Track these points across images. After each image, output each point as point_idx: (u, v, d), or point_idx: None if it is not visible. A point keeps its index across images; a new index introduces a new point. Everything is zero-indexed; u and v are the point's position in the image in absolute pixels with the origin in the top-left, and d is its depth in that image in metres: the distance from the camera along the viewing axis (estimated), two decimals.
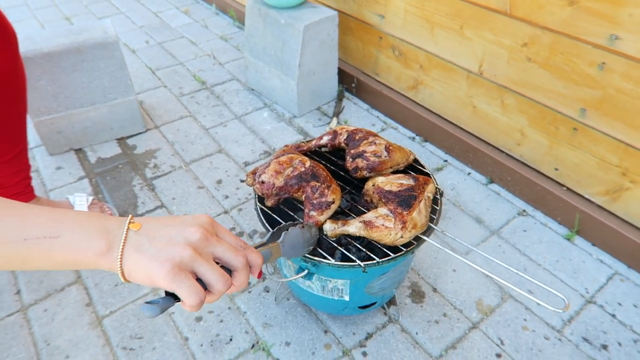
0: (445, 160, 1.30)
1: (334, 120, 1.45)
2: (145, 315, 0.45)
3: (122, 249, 0.38)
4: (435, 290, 0.97)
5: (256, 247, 0.50)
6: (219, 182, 1.24)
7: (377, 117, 1.49)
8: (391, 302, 0.92)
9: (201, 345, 0.87)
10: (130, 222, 0.40)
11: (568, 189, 1.09)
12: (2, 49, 0.85)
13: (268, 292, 0.97)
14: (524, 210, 1.14)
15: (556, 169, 1.10)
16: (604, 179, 1.00)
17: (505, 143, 1.19)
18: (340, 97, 1.55)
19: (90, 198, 1.12)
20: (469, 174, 1.26)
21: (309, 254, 0.67)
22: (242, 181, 0.81)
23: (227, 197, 1.20)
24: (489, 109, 1.19)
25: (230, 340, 0.88)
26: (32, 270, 0.42)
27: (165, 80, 1.68)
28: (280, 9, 1.39)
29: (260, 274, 0.46)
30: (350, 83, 1.56)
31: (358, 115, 1.50)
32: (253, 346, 0.87)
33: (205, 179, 1.25)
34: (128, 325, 0.91)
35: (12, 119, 0.93)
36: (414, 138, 1.38)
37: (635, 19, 0.83)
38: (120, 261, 0.38)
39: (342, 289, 0.75)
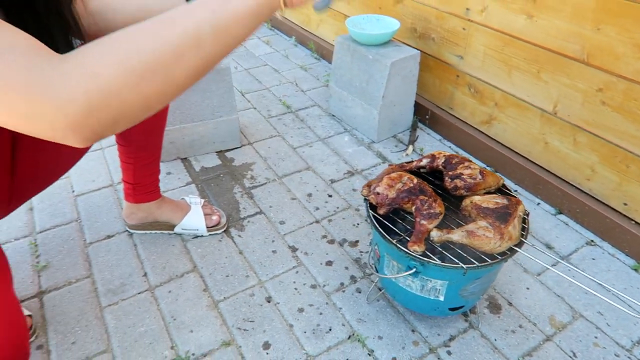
0: (515, 190, 1.41)
1: (410, 147, 1.59)
2: (318, 9, 0.58)
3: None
4: (510, 304, 1.07)
5: None
6: (309, 195, 1.40)
7: (449, 147, 1.62)
8: (472, 310, 1.03)
9: (304, 332, 1.01)
10: None
11: (636, 223, 1.18)
12: None
13: (360, 292, 1.10)
14: (592, 241, 1.24)
15: (625, 204, 1.19)
16: None
17: (575, 177, 1.30)
18: (414, 127, 1.69)
19: (202, 200, 1.29)
20: (539, 204, 1.37)
21: (419, 255, 0.80)
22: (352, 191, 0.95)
23: (317, 208, 1.35)
24: (560, 146, 1.30)
25: (330, 330, 1.02)
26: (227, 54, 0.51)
27: (254, 102, 1.88)
28: (369, 46, 1.56)
29: None
30: (424, 115, 1.70)
31: (431, 144, 1.64)
32: (349, 337, 1.00)
33: (296, 192, 1.41)
34: (241, 310, 1.06)
35: (156, 131, 1.12)
36: (484, 168, 1.50)
37: None
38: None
39: (439, 290, 0.87)
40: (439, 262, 0.80)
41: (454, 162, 0.96)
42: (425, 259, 0.81)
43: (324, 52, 2.22)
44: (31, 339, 0.99)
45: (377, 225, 0.87)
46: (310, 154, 1.58)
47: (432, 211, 0.84)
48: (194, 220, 1.24)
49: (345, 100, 1.69)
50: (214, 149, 1.59)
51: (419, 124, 1.73)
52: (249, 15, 0.49)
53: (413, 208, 0.86)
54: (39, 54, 0.43)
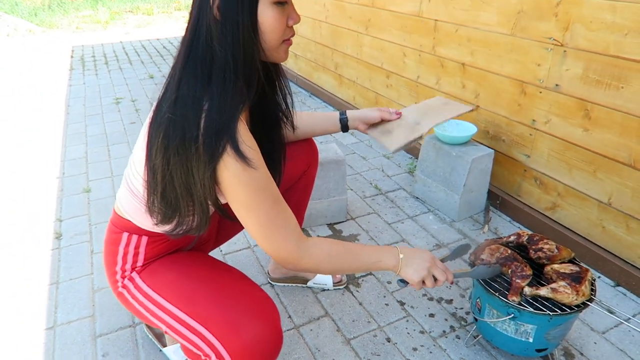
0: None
1: (486, 226, 1.94)
2: (400, 285, 1.08)
3: (400, 266, 0.98)
4: (582, 354, 1.36)
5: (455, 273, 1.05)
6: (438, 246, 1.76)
7: (518, 227, 1.96)
8: (550, 356, 1.32)
9: None
10: (400, 253, 1.01)
11: None
12: (314, 164, 1.47)
13: (459, 338, 1.42)
14: None
15: None
16: None
17: (630, 256, 1.60)
18: (487, 210, 2.05)
19: None
20: (599, 277, 1.66)
21: (516, 304, 1.14)
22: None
23: None
24: (616, 230, 1.62)
25: None
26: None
27: (350, 184, 2.31)
28: (452, 145, 1.98)
29: (452, 282, 1.07)
30: (496, 200, 2.07)
31: (502, 225, 1.98)
32: None
33: None
34: (368, 346, 1.40)
35: (304, 206, 1.54)
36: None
37: None
38: (399, 271, 0.97)
39: (529, 332, 1.19)
40: (532, 309, 1.13)
41: (535, 239, 1.31)
42: (522, 306, 1.14)
43: None
44: None
45: (483, 283, 1.22)
46: (403, 229, 1.96)
47: (524, 273, 1.18)
48: (323, 277, 1.62)
49: (430, 186, 2.09)
50: (325, 222, 1.99)
51: (491, 208, 2.08)
52: (384, 269, 1.04)
53: (509, 271, 1.21)
54: (299, 235, 0.95)
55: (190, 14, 0.89)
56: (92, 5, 9.72)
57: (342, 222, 2.01)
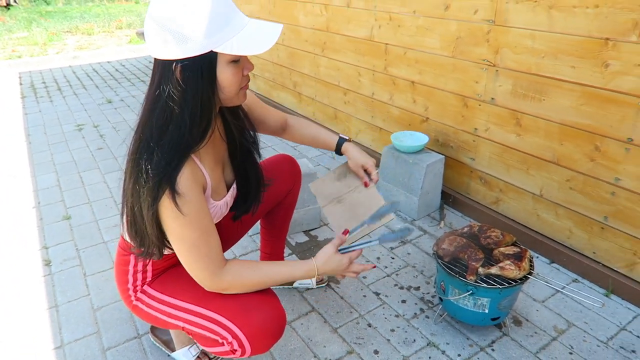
0: None
1: (442, 222, 2.23)
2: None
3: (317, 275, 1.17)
4: (527, 320, 1.65)
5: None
6: (378, 258, 2.00)
7: (469, 220, 2.26)
8: (503, 324, 1.60)
9: (398, 343, 1.57)
10: (315, 268, 1.16)
11: (603, 264, 1.79)
12: (298, 182, 1.68)
13: (428, 318, 1.67)
14: (576, 279, 1.84)
15: (594, 252, 1.81)
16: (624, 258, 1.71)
17: (560, 237, 1.92)
18: (442, 208, 2.34)
19: None
20: (537, 257, 1.98)
21: (474, 282, 1.40)
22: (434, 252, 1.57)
23: (386, 267, 1.94)
24: (547, 217, 1.95)
25: (414, 341, 1.57)
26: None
27: None
28: (408, 153, 2.25)
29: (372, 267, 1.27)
30: (448, 199, 2.36)
31: (455, 220, 2.27)
32: (428, 344, 1.56)
33: (369, 256, 2.01)
34: (353, 332, 1.62)
35: (288, 219, 1.74)
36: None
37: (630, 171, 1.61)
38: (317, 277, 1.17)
39: (485, 304, 1.46)
40: (486, 285, 1.40)
41: (484, 228, 1.59)
42: (478, 284, 1.41)
43: None
44: None
45: (445, 268, 1.48)
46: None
47: (478, 256, 1.45)
48: None
49: (391, 190, 2.35)
50: (302, 229, 2.20)
51: (445, 206, 2.38)
52: (299, 278, 1.18)
53: (465, 256, 1.48)
54: (214, 266, 1.08)
55: (153, 74, 1.00)
56: (25, 26, 9.38)
57: (317, 228, 2.23)
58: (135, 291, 1.28)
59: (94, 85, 5.01)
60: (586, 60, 1.64)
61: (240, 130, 1.25)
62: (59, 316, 1.74)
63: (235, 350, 1.15)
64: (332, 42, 2.93)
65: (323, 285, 1.84)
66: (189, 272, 1.11)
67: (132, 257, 1.27)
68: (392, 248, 2.07)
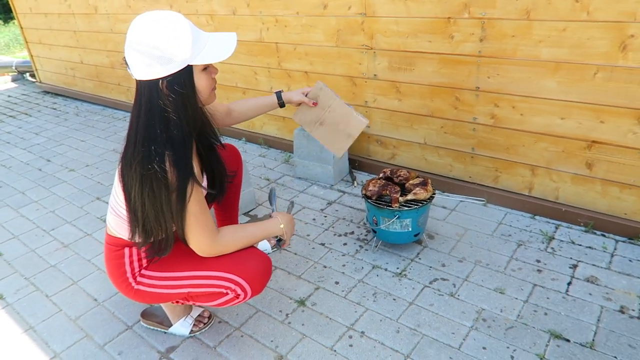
0: None
1: (355, 182, 2.70)
2: (277, 247, 1.68)
3: (284, 231, 1.51)
4: (437, 234, 2.18)
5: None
6: (314, 219, 2.40)
7: (374, 176, 2.77)
8: (421, 240, 2.11)
9: (350, 272, 1.98)
10: (280, 223, 1.50)
11: (478, 184, 2.41)
12: (240, 166, 1.99)
13: (367, 250, 2.11)
14: (462, 200, 2.44)
15: (470, 177, 2.42)
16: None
17: (443, 172, 2.51)
18: (350, 172, 2.81)
19: None
20: None
21: (398, 208, 1.87)
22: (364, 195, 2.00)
23: (322, 224, 2.35)
24: (432, 158, 2.52)
25: (362, 268, 2.00)
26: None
27: (252, 182, 2.84)
28: None
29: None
30: (354, 163, 2.84)
31: (364, 178, 2.76)
32: (372, 267, 2.00)
33: (304, 218, 2.39)
34: (314, 275, 1.99)
35: (236, 200, 2.04)
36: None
37: None
38: (283, 234, 1.53)
39: (408, 224, 1.94)
40: (407, 208, 1.88)
41: (394, 171, 2.08)
42: (401, 209, 1.88)
43: (269, 143, 3.29)
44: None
45: (374, 204, 1.93)
46: (300, 200, 2.59)
47: (396, 190, 1.93)
48: (263, 244, 2.15)
49: (307, 166, 2.76)
50: (242, 212, 2.50)
51: (353, 170, 2.86)
52: (273, 232, 1.50)
53: (387, 192, 1.94)
54: (212, 231, 1.33)
55: (139, 96, 1.20)
56: None
57: (254, 208, 2.55)
58: (134, 278, 1.49)
59: None
60: (437, 35, 2.21)
61: (202, 127, 1.45)
62: (40, 334, 1.82)
63: (239, 295, 1.44)
64: None
65: (276, 249, 2.18)
66: (190, 242, 1.35)
67: (126, 250, 1.48)
68: (322, 209, 2.48)
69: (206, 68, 1.26)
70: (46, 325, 1.86)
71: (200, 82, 1.25)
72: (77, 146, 3.78)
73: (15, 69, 6.35)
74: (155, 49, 1.16)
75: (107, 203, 2.75)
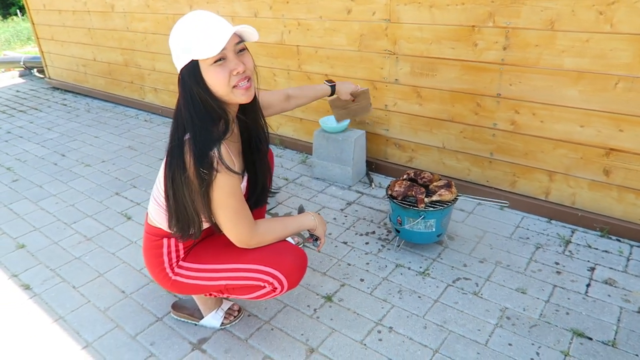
0: None
1: (372, 184, 2.75)
2: (314, 245, 1.61)
3: (316, 225, 1.56)
4: (457, 235, 2.24)
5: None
6: (334, 218, 2.45)
7: (390, 179, 2.82)
8: (442, 241, 2.17)
9: (375, 270, 2.03)
10: (312, 217, 1.56)
11: (495, 188, 2.47)
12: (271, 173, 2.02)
13: (389, 250, 2.16)
14: (480, 203, 2.50)
15: (487, 181, 2.48)
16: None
17: (462, 176, 2.57)
18: (367, 174, 2.87)
19: None
20: None
21: (423, 209, 1.92)
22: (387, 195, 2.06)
23: (343, 223, 2.40)
24: (450, 162, 2.58)
25: (386, 266, 2.05)
26: None
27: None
28: (336, 133, 2.73)
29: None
30: (371, 165, 2.90)
31: (381, 180, 2.82)
32: (396, 266, 2.05)
33: (327, 217, 2.44)
34: (339, 272, 2.04)
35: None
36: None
37: None
38: (315, 229, 1.57)
39: (432, 225, 1.99)
40: (432, 208, 1.93)
41: (418, 172, 2.13)
42: (426, 209, 1.93)
43: (285, 144, 3.35)
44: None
45: (400, 204, 1.98)
46: (319, 200, 2.64)
47: (421, 191, 1.98)
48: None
49: (326, 167, 2.81)
50: None
51: (370, 172, 2.91)
52: (307, 226, 1.54)
53: (413, 193, 1.99)
54: (251, 223, 1.39)
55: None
56: None
57: (275, 207, 2.60)
58: (172, 269, 1.54)
59: None
60: (461, 42, 2.28)
61: (251, 129, 1.50)
62: (70, 324, 1.85)
63: (276, 289, 1.48)
64: None
65: (312, 248, 2.21)
66: (230, 234, 1.39)
67: (164, 240, 1.52)
68: (342, 209, 2.54)
69: (219, 62, 1.24)
70: (76, 315, 1.89)
71: (209, 77, 1.25)
72: (91, 142, 3.81)
73: (24, 64, 6.36)
74: (174, 42, 1.26)
75: (126, 198, 2.79)
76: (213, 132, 1.29)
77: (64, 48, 5.12)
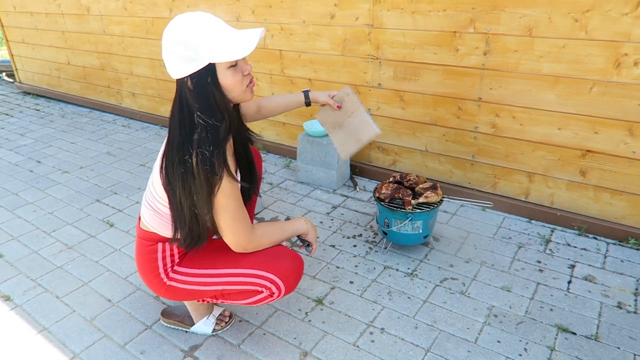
0: None
1: (357, 187, 2.78)
2: (307, 250, 1.59)
3: (308, 230, 1.54)
4: (442, 236, 2.28)
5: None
6: (321, 222, 2.46)
7: (376, 182, 2.86)
8: (428, 242, 2.21)
9: (363, 272, 2.05)
10: (305, 222, 1.55)
11: (477, 190, 2.53)
12: (260, 169, 2.03)
13: (377, 252, 2.19)
14: (463, 205, 2.56)
15: (469, 183, 2.54)
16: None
17: (445, 178, 2.62)
18: (352, 177, 2.90)
19: None
20: None
21: (410, 210, 1.96)
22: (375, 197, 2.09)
23: (330, 227, 2.42)
24: (433, 165, 2.63)
25: (374, 268, 2.08)
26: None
27: None
28: (320, 137, 2.75)
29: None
30: (355, 169, 2.93)
31: (364, 182, 2.85)
32: (384, 268, 2.08)
33: (315, 220, 2.46)
34: (328, 275, 2.05)
35: (254, 202, 2.09)
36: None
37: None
38: (307, 234, 1.57)
39: (419, 226, 2.03)
40: (419, 210, 1.97)
41: (403, 175, 2.17)
42: (413, 211, 1.97)
43: (268, 148, 3.34)
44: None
45: (387, 207, 2.01)
46: (305, 204, 2.65)
47: (408, 193, 2.02)
48: None
49: (311, 171, 2.83)
50: None
51: (354, 175, 2.94)
52: (300, 230, 1.54)
53: (400, 195, 2.03)
54: (249, 226, 1.38)
55: (176, 92, 1.27)
56: None
57: (261, 211, 2.59)
58: (167, 274, 1.52)
59: None
60: (443, 47, 2.33)
61: (240, 129, 1.50)
62: (55, 335, 1.80)
63: (273, 294, 1.47)
64: None
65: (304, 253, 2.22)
66: (229, 237, 1.38)
67: (159, 245, 1.50)
68: (327, 213, 2.55)
69: (234, 65, 1.27)
70: (61, 326, 1.84)
71: (226, 80, 1.26)
72: (68, 148, 3.72)
73: None
74: (181, 47, 1.21)
75: (108, 205, 2.74)
76: (220, 132, 1.28)
77: (36, 51, 4.98)
